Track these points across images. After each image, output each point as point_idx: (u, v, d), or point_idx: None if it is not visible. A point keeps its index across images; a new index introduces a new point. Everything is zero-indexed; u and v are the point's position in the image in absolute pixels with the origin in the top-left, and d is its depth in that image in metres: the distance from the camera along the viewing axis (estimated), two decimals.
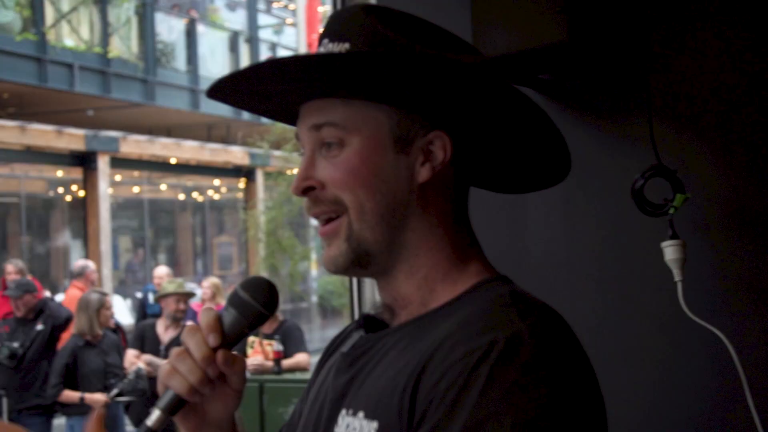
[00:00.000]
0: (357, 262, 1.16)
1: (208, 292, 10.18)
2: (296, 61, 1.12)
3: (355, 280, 2.47)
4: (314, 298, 20.46)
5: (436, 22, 1.19)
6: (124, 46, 17.25)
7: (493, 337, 1.02)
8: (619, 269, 2.01)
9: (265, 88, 1.19)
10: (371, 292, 2.46)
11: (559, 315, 1.10)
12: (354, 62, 1.11)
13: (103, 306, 7.33)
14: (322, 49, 1.17)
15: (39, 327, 7.82)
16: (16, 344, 7.61)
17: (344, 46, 1.14)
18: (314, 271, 19.90)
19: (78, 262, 10.65)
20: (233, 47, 20.61)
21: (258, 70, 1.14)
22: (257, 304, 1.18)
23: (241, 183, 18.96)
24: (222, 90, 1.20)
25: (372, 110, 1.14)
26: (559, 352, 1.04)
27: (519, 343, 1.02)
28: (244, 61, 20.97)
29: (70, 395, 7.04)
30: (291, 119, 1.25)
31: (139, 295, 15.01)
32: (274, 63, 1.12)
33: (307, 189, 1.16)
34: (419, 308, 1.16)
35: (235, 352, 1.18)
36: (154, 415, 1.17)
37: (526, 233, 2.13)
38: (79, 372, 7.10)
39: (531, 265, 2.11)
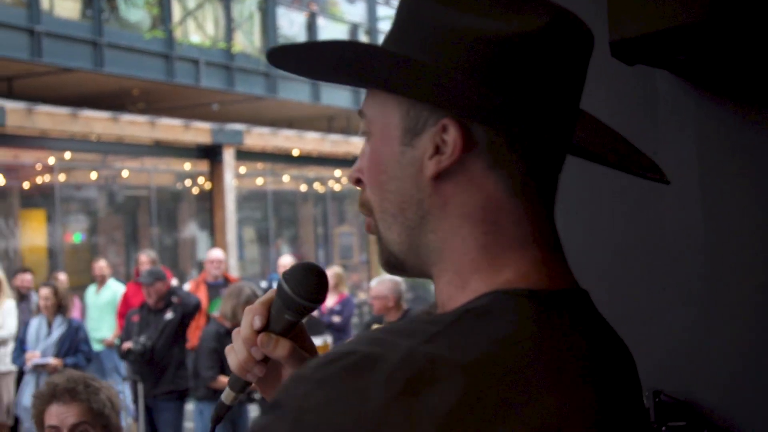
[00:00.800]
0: (392, 265, 1.06)
1: (331, 282, 10.31)
2: (300, 51, 1.03)
3: None
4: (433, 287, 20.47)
5: (572, 2, 1.13)
6: (247, 40, 17.59)
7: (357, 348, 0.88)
8: (764, 258, 1.94)
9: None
10: None
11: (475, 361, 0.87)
12: (346, 54, 1.00)
13: (251, 299, 7.46)
14: None
15: (168, 316, 8.02)
16: (143, 338, 7.86)
17: (390, 30, 1.06)
18: None
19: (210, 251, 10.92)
20: (352, 37, 20.79)
21: (282, 53, 1.04)
22: (295, 296, 1.17)
23: None
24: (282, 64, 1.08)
25: (386, 99, 1.03)
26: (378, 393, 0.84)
27: (375, 361, 0.86)
28: None
29: (223, 381, 7.17)
30: None
31: (264, 284, 15.34)
32: (287, 50, 1.02)
33: (357, 180, 1.08)
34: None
35: (279, 337, 1.19)
36: (226, 392, 1.25)
37: (665, 220, 2.07)
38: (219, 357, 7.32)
39: (670, 253, 2.05)
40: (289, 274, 1.18)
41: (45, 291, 8.62)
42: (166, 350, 7.85)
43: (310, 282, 1.17)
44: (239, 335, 1.21)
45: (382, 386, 0.84)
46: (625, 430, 0.98)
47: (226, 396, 1.26)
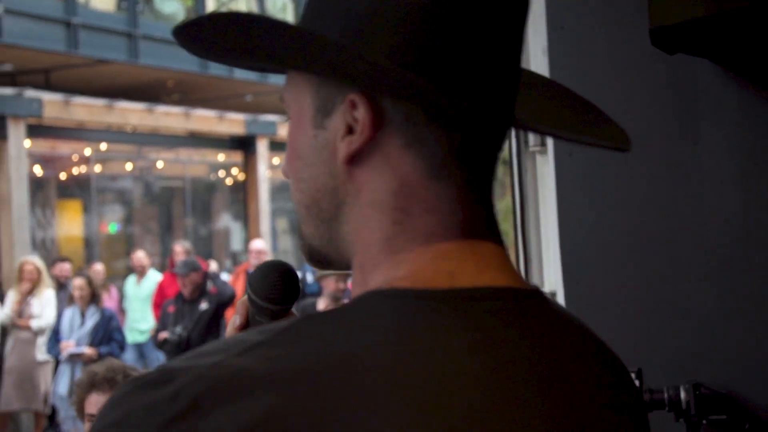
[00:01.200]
0: (316, 260, 0.93)
1: None
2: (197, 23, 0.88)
3: (521, 259, 2.44)
4: None
5: None
6: None
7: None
8: None
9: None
10: (538, 273, 2.43)
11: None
12: (234, 24, 0.85)
13: None
14: None
15: (203, 306, 8.07)
16: (178, 328, 7.93)
17: None
18: None
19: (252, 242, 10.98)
20: None
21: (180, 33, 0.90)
22: (255, 297, 1.11)
23: None
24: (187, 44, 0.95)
25: (299, 80, 0.90)
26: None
27: (172, 377, 0.74)
28: None
29: None
30: None
31: (298, 275, 15.39)
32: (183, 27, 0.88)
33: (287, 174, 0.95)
34: None
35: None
36: None
37: (704, 210, 2.05)
38: None
39: (709, 243, 2.03)
40: (252, 276, 1.12)
41: (79, 281, 8.70)
42: (201, 340, 7.90)
43: (270, 281, 1.10)
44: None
45: (165, 404, 0.72)
46: None
47: None
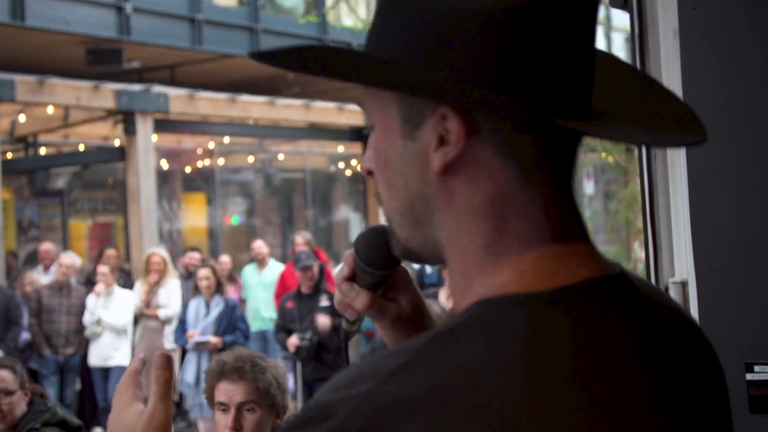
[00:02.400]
0: (410, 257, 1.00)
1: None
2: (284, 54, 0.91)
3: (650, 248, 2.37)
4: None
5: None
6: None
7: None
8: None
9: None
10: (668, 262, 2.36)
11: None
12: (330, 56, 0.89)
13: None
14: None
15: (324, 303, 8.09)
16: (308, 334, 8.01)
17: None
18: None
19: None
20: None
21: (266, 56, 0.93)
22: (361, 262, 1.18)
23: None
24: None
25: (382, 91, 0.93)
26: None
27: (330, 411, 0.80)
28: None
29: None
30: None
31: (416, 266, 15.41)
32: (272, 54, 0.90)
33: (369, 171, 0.99)
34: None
35: (361, 289, 1.22)
36: (344, 322, 1.33)
37: None
38: None
39: None
40: (358, 239, 1.19)
41: (204, 272, 8.84)
42: (328, 339, 8.01)
43: (374, 247, 1.17)
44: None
45: None
46: None
47: (345, 324, 1.33)
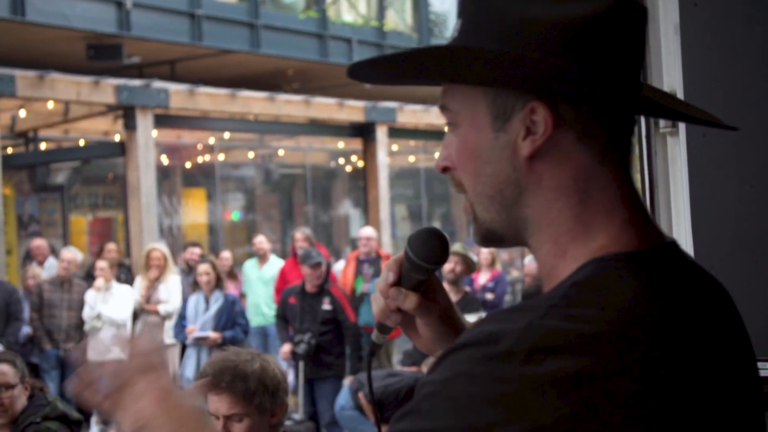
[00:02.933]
0: (490, 239, 1.16)
1: (488, 257, 10.30)
2: (370, 63, 1.13)
3: None
4: None
5: None
6: (398, 18, 17.66)
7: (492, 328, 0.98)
8: None
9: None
10: None
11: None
12: (435, 57, 1.10)
13: None
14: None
15: (326, 307, 8.01)
16: (307, 336, 7.98)
17: (459, 24, 1.14)
18: None
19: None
20: None
21: (356, 71, 1.15)
22: (416, 258, 1.31)
23: None
24: (358, 75, 1.19)
25: (469, 91, 1.11)
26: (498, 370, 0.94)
27: (497, 338, 0.96)
28: None
29: None
30: None
31: None
32: (359, 65, 1.13)
33: (445, 168, 1.17)
34: (548, 283, 1.12)
35: (408, 291, 1.34)
36: (374, 332, 1.44)
37: None
38: None
39: None
40: (411, 238, 1.33)
41: (204, 267, 8.78)
42: (327, 342, 8.01)
43: (429, 245, 1.31)
44: (378, 289, 1.38)
45: (504, 358, 0.94)
46: (733, 377, 1.05)
47: (375, 336, 1.45)
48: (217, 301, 8.67)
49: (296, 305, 8.11)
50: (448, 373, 0.97)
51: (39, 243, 11.46)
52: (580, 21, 1.04)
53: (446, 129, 1.18)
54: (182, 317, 8.82)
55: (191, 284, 9.17)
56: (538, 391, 0.92)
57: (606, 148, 1.08)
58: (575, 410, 0.92)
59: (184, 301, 9.05)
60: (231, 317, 8.66)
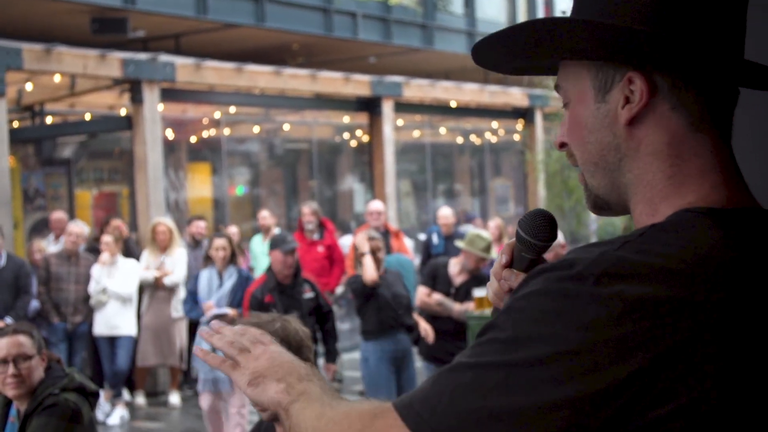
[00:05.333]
0: (597, 206, 1.28)
1: (495, 233, 10.32)
2: (502, 35, 1.25)
3: None
4: (594, 239, 20.15)
5: None
6: None
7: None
8: None
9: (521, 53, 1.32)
10: None
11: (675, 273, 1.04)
12: (540, 30, 1.22)
13: (378, 249, 7.42)
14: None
15: (308, 295, 7.43)
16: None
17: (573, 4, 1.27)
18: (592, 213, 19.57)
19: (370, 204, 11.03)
20: None
21: (486, 45, 1.28)
22: (528, 237, 1.41)
23: (519, 125, 18.88)
24: (482, 60, 1.35)
25: (577, 67, 1.23)
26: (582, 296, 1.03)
27: (572, 263, 1.06)
28: (520, 3, 20.76)
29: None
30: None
31: (422, 236, 15.41)
32: (491, 38, 1.26)
33: (562, 144, 1.29)
34: None
35: (519, 272, 1.43)
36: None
37: None
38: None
39: None
40: (522, 220, 1.43)
41: (221, 242, 8.42)
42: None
43: (538, 224, 1.41)
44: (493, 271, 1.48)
45: (576, 280, 1.04)
46: None
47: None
48: (231, 277, 8.33)
49: (276, 303, 7.09)
50: (526, 291, 1.07)
51: (59, 215, 11.46)
52: None
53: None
54: (193, 293, 8.48)
55: (203, 259, 8.80)
56: (604, 306, 1.02)
57: (701, 115, 1.18)
58: (633, 330, 1.00)
59: (195, 277, 8.66)
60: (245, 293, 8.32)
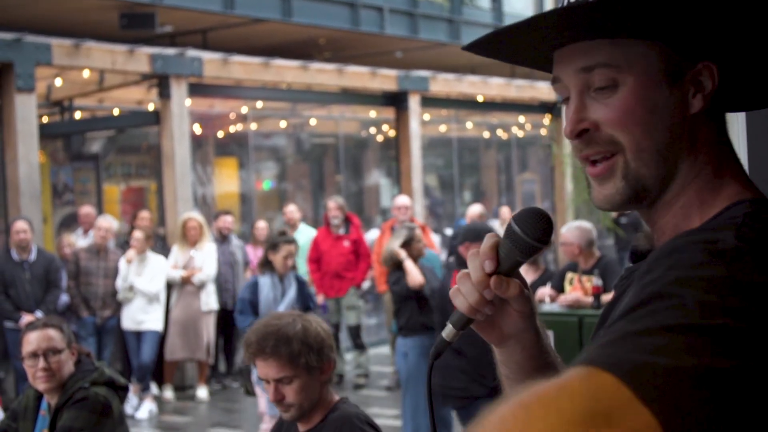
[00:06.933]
0: (634, 198, 1.21)
1: None
2: (564, 11, 1.15)
3: None
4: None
5: None
6: None
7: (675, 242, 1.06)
8: None
9: (524, 40, 1.25)
10: None
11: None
12: (620, 3, 1.13)
13: (413, 239, 7.49)
14: None
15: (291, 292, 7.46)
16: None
17: None
18: None
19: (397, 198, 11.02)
20: None
21: (525, 25, 1.18)
22: (527, 237, 1.29)
23: (546, 119, 18.79)
24: (479, 46, 1.29)
25: (641, 47, 1.17)
26: (685, 281, 0.97)
27: (678, 248, 1.03)
28: None
29: None
30: (540, 64, 1.30)
31: (449, 231, 15.38)
32: (543, 16, 1.16)
33: (582, 132, 1.20)
34: (671, 236, 1.16)
35: (509, 278, 1.30)
36: (448, 329, 1.35)
37: None
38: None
39: None
40: (518, 218, 1.31)
41: (290, 248, 7.57)
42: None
43: (539, 225, 1.30)
44: (467, 279, 1.31)
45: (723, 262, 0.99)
46: None
47: (448, 333, 1.35)
48: (291, 284, 7.61)
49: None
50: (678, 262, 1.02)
51: (87, 210, 11.55)
52: None
53: (569, 93, 1.23)
54: (253, 304, 7.48)
55: (258, 265, 7.82)
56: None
57: (729, 112, 1.25)
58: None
59: (253, 285, 7.60)
60: (304, 300, 7.61)
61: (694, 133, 1.19)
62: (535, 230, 1.29)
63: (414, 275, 7.35)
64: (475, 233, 6.43)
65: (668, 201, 1.20)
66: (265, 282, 7.53)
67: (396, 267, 7.44)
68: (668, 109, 1.18)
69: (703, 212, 1.17)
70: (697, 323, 0.92)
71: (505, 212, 14.57)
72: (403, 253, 7.38)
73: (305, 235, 11.26)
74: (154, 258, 10.01)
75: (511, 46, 1.30)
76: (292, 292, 7.55)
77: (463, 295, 1.32)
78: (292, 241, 7.70)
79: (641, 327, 0.93)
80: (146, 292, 9.81)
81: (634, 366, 0.88)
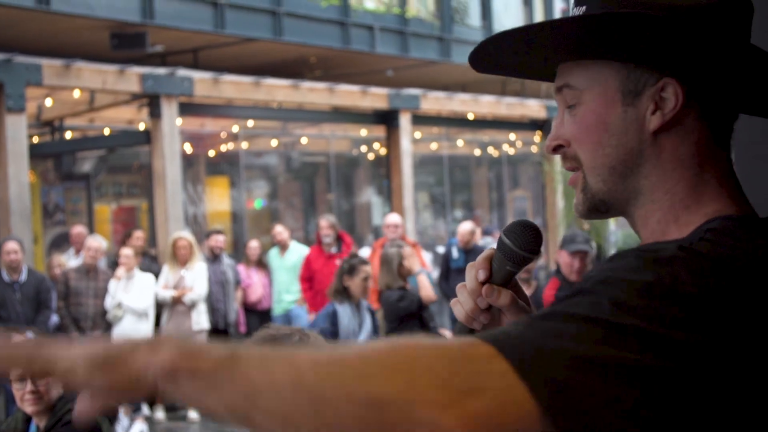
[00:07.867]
0: (595, 209, 1.24)
1: None
2: (522, 31, 1.19)
3: None
4: (613, 251, 20.03)
5: None
6: (420, 5, 17.59)
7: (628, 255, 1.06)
8: None
9: (517, 56, 1.28)
10: None
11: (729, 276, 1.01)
12: (574, 27, 1.17)
13: (402, 258, 7.37)
14: (571, 14, 1.23)
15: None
16: None
17: (581, 10, 1.20)
18: (612, 224, 19.50)
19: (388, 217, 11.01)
20: (527, 1, 20.43)
21: (498, 41, 1.23)
22: (516, 248, 1.34)
23: (537, 136, 18.84)
24: (478, 63, 1.32)
25: (601, 67, 1.19)
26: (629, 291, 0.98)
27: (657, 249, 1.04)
28: (538, 15, 20.74)
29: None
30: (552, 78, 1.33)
31: (441, 249, 15.38)
32: (506, 34, 1.20)
33: (557, 147, 1.25)
34: None
35: (501, 287, 1.35)
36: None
37: None
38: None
39: None
40: (508, 231, 1.35)
41: (369, 269, 6.92)
42: None
43: (527, 236, 1.34)
44: (464, 289, 1.37)
45: (651, 262, 1.02)
46: None
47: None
48: (366, 313, 6.92)
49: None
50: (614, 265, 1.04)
51: (79, 230, 11.53)
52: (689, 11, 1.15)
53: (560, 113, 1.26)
54: (334, 335, 6.56)
55: (334, 293, 6.87)
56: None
57: (721, 126, 1.20)
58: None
59: (332, 315, 6.75)
60: (376, 329, 6.98)
61: (659, 149, 1.18)
62: (524, 241, 1.34)
63: (428, 290, 7.39)
64: (568, 239, 6.40)
65: (644, 216, 1.21)
66: (345, 311, 6.73)
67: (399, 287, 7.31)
68: (622, 127, 1.18)
69: (680, 228, 1.16)
70: (604, 318, 0.95)
71: (497, 236, 14.57)
72: (417, 265, 7.40)
73: (297, 253, 11.25)
74: (141, 275, 9.99)
75: (514, 61, 1.32)
76: (368, 320, 6.86)
77: (460, 303, 1.38)
78: (367, 262, 7.08)
79: (545, 312, 0.99)
80: (134, 308, 9.77)
81: (519, 342, 0.93)
